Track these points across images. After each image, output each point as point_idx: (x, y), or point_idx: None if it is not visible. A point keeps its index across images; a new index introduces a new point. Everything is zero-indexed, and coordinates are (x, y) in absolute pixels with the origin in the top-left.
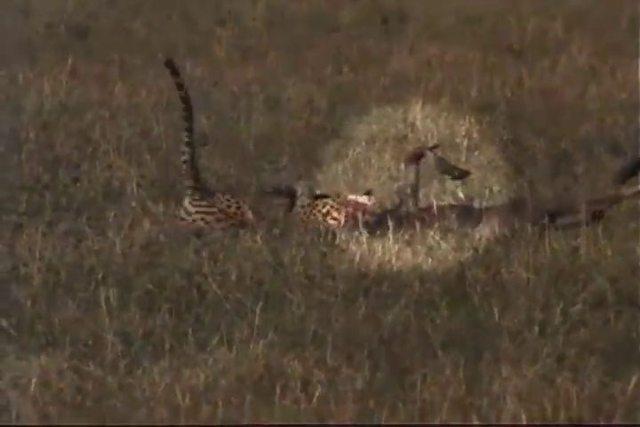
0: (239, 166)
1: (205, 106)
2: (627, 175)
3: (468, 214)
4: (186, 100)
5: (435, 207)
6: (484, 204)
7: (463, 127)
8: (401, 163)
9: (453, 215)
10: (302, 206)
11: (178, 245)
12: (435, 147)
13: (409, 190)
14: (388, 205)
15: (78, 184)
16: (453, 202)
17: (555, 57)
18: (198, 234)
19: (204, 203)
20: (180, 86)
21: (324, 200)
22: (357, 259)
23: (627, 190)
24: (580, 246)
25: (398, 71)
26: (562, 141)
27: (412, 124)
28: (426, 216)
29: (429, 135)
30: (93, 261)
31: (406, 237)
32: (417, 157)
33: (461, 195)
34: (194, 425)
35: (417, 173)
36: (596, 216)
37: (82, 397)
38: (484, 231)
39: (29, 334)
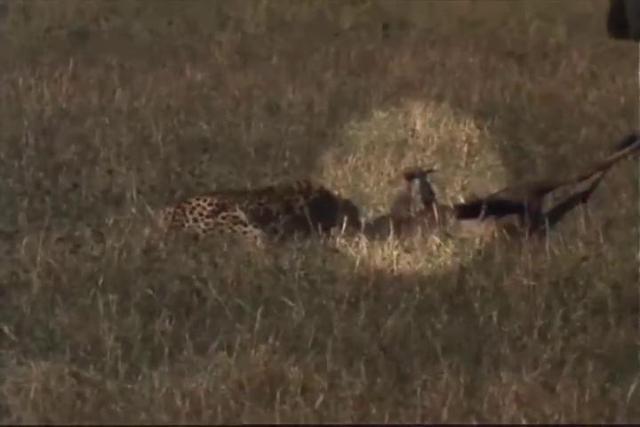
0: (239, 171)
1: (206, 111)
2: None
3: (466, 211)
4: None
5: (435, 210)
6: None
7: (463, 132)
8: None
9: (453, 217)
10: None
11: (177, 250)
12: (430, 171)
13: (404, 202)
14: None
15: (78, 190)
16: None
17: (555, 62)
18: (196, 239)
19: None
20: None
21: None
22: (357, 264)
23: (613, 155)
24: (581, 252)
25: (399, 76)
26: (561, 147)
27: (413, 130)
28: (425, 220)
29: (430, 140)
30: (93, 266)
31: (406, 242)
32: (411, 176)
33: (462, 200)
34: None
35: (411, 188)
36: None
37: (82, 402)
38: (482, 226)
39: (29, 340)
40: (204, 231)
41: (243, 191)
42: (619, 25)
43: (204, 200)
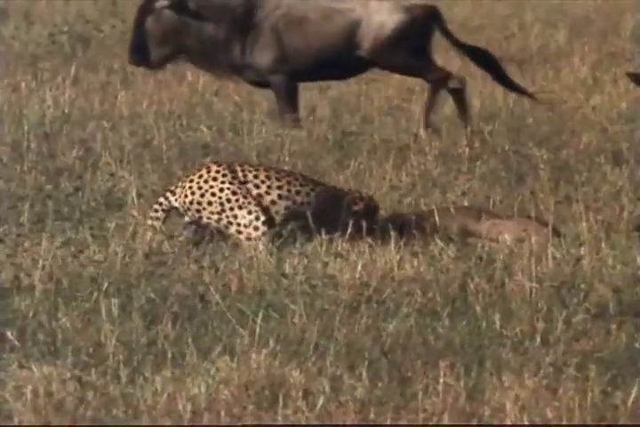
0: None
1: (207, 115)
2: None
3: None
4: None
5: (436, 215)
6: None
7: (465, 137)
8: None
9: (455, 222)
10: None
11: (179, 254)
12: None
13: None
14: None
15: (80, 194)
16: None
17: (556, 67)
18: (198, 244)
19: None
20: None
21: None
22: (359, 268)
23: None
24: (583, 256)
25: (401, 81)
26: (563, 151)
27: (415, 134)
28: (426, 225)
29: (432, 145)
30: (95, 270)
31: (408, 246)
32: None
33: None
34: None
35: None
36: None
37: (84, 406)
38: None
39: (31, 344)
40: (183, 189)
41: (295, 175)
42: (140, 51)
43: (219, 165)
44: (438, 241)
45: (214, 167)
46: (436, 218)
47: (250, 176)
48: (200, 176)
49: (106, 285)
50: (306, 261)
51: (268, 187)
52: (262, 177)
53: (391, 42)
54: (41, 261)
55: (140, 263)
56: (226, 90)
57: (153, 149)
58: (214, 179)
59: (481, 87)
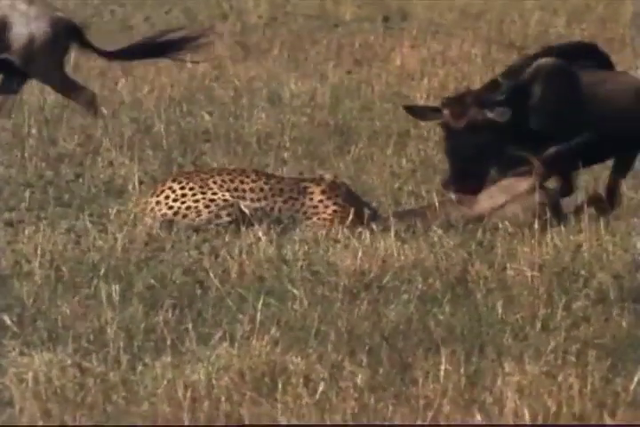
0: (242, 162)
1: (208, 102)
2: None
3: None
4: None
5: (437, 204)
6: None
7: None
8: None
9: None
10: None
11: (179, 240)
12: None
13: None
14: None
15: (81, 180)
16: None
17: None
18: (198, 229)
19: None
20: None
21: None
22: (360, 254)
23: None
24: (583, 243)
25: (400, 67)
26: None
27: (415, 121)
28: (428, 213)
29: (432, 131)
30: (95, 256)
31: (409, 233)
32: None
33: None
34: (196, 426)
35: None
36: None
37: (84, 392)
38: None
39: (31, 330)
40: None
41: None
42: None
43: (178, 182)
44: (438, 228)
45: (176, 186)
46: (437, 207)
47: (210, 183)
48: (175, 200)
49: (106, 271)
50: (306, 247)
51: (227, 190)
52: (219, 182)
53: (38, 52)
54: (41, 248)
55: (139, 249)
56: (226, 75)
57: (153, 136)
58: (183, 195)
59: (480, 74)
